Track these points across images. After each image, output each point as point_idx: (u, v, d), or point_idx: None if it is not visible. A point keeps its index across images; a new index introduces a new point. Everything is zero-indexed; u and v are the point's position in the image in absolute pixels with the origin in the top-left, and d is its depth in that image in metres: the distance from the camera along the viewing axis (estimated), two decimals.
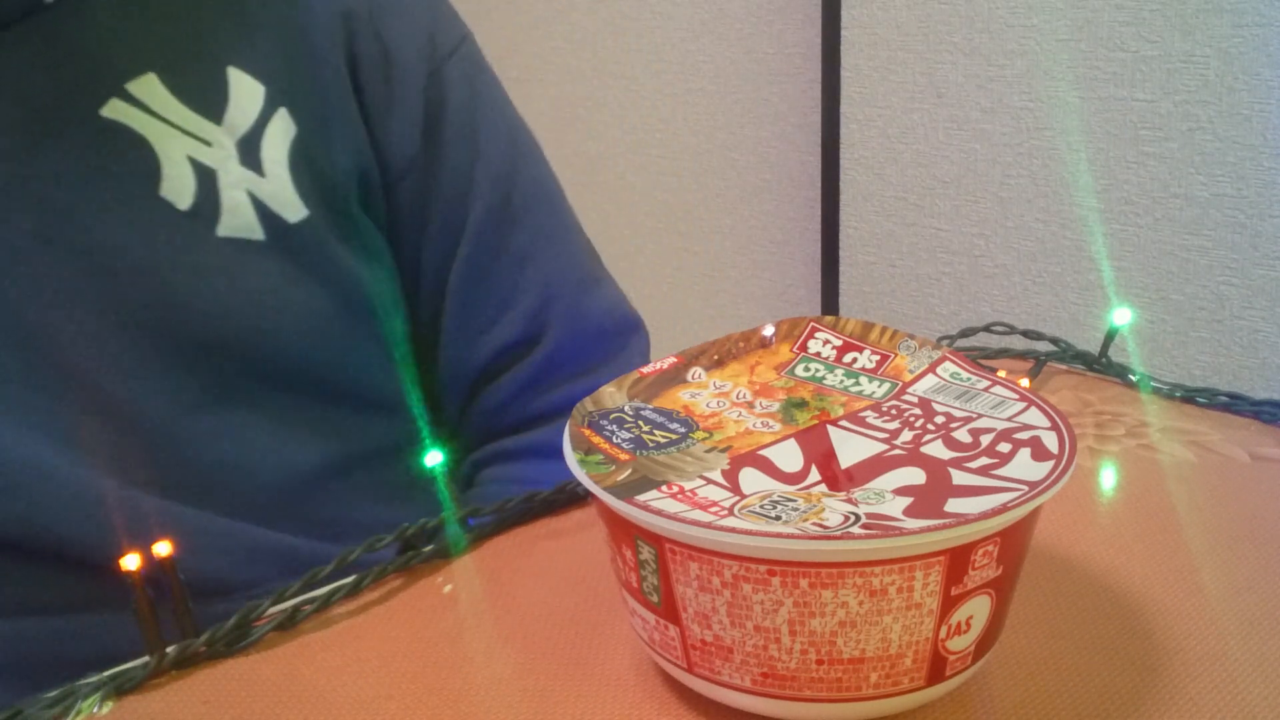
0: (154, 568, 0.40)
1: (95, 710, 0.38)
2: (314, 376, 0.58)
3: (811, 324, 0.45)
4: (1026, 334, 0.64)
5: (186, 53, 0.56)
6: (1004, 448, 0.36)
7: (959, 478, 0.34)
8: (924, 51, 1.36)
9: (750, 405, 0.40)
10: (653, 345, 0.71)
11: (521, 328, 0.65)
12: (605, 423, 0.39)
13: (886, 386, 0.41)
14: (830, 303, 1.55)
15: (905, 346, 0.43)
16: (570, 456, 0.36)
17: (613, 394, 0.41)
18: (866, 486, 0.35)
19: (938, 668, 0.33)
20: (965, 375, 0.41)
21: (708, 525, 0.31)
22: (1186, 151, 1.19)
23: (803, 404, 0.40)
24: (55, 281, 0.52)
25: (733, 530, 0.31)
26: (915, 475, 0.35)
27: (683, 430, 0.39)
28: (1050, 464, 0.34)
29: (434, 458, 0.47)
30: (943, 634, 0.32)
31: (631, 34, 1.69)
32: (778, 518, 0.32)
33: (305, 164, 0.57)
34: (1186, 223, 1.21)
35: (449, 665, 0.39)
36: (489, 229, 0.64)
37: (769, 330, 0.45)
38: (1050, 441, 0.36)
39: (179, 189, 0.54)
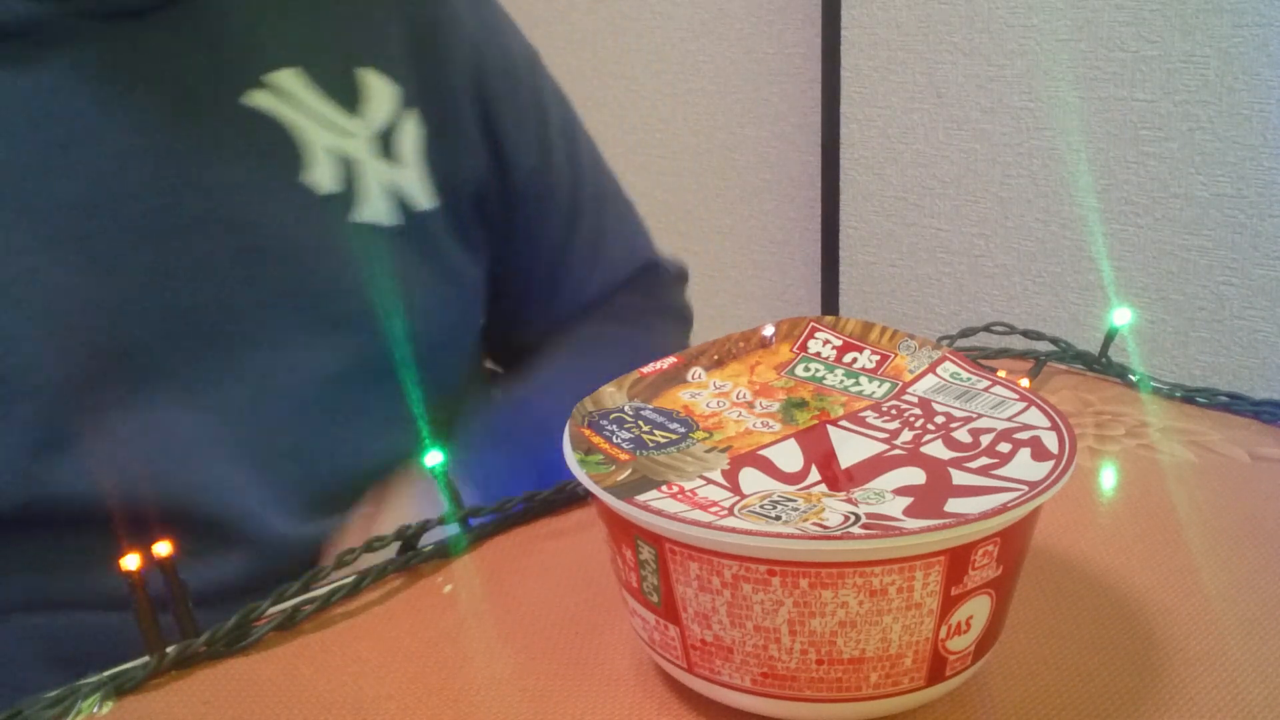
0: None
1: (95, 710, 0.38)
2: (426, 358, 0.61)
3: (811, 324, 0.45)
4: (1026, 334, 0.64)
5: (326, 52, 0.59)
6: (1004, 448, 0.36)
7: (959, 478, 0.34)
8: (924, 51, 1.36)
9: (750, 405, 0.40)
10: None
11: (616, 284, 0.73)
12: (605, 423, 0.39)
13: (886, 386, 0.41)
14: (830, 303, 1.55)
15: (905, 346, 0.43)
16: (570, 456, 0.36)
17: (613, 394, 0.41)
18: (866, 486, 0.35)
19: (938, 668, 0.33)
20: (965, 375, 0.41)
21: (708, 525, 0.31)
22: (1186, 151, 1.19)
23: (803, 404, 0.40)
24: (200, 255, 0.53)
25: (733, 530, 0.31)
26: (915, 475, 0.35)
27: (683, 430, 0.39)
28: (1050, 464, 0.34)
29: (434, 458, 0.47)
30: (943, 634, 0.32)
31: (631, 34, 1.69)
32: (778, 518, 0.32)
33: (431, 163, 0.62)
34: (1186, 223, 1.21)
35: (449, 665, 0.39)
36: (589, 213, 0.72)
37: (769, 330, 0.45)
38: (1050, 441, 0.36)
39: (320, 175, 0.57)
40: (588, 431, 0.38)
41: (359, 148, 0.59)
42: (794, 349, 0.44)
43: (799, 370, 0.43)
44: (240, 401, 0.54)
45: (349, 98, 0.59)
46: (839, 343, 0.44)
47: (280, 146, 0.56)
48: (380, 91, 0.60)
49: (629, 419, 0.39)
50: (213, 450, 0.53)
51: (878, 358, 0.43)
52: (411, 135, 0.61)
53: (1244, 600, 0.41)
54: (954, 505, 0.32)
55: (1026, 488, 0.32)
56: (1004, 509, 0.31)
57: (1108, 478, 0.51)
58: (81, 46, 0.52)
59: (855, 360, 0.43)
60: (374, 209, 0.59)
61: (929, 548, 0.31)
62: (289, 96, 0.57)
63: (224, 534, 0.53)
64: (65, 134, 0.51)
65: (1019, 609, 0.40)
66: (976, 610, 0.33)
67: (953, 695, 0.36)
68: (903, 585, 0.31)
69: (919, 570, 0.31)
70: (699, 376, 0.42)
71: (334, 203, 0.57)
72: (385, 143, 0.60)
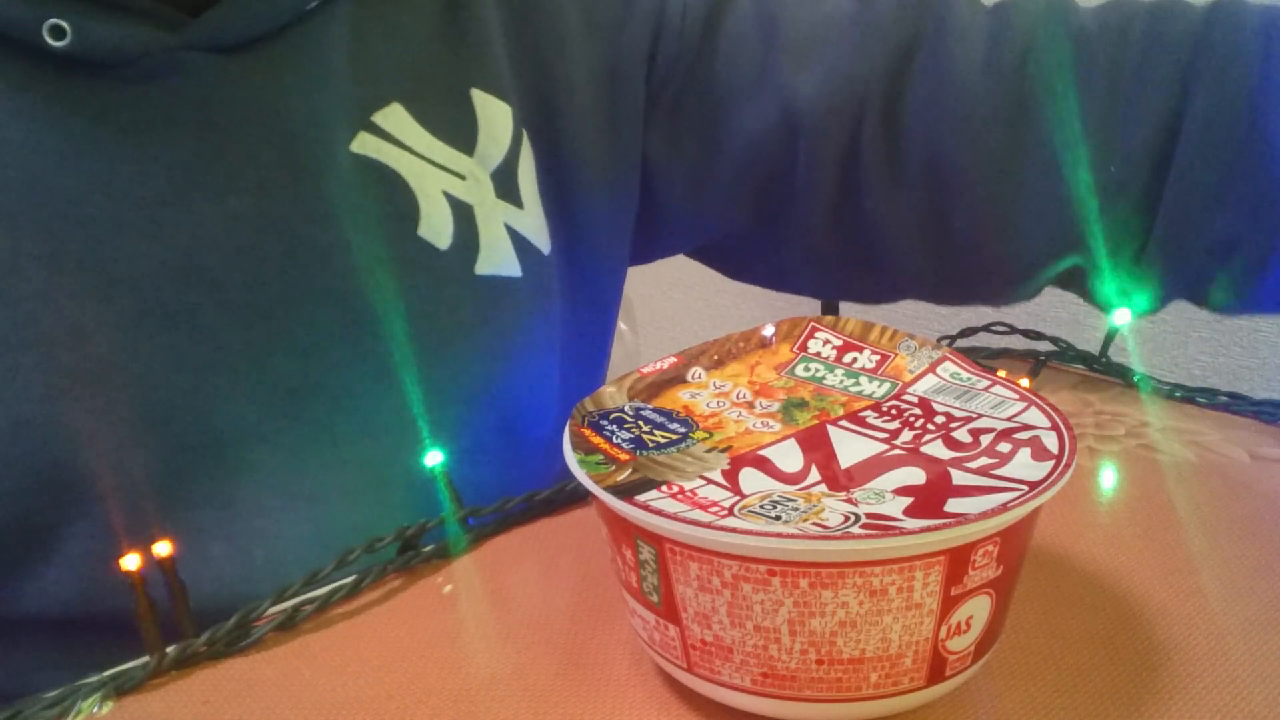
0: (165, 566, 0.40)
1: (95, 710, 0.38)
2: (527, 432, 0.55)
3: (811, 324, 0.45)
4: (1026, 334, 0.64)
5: (427, 77, 0.52)
6: (1004, 448, 0.36)
7: (959, 478, 0.34)
8: None
9: (750, 405, 0.41)
10: (653, 345, 0.72)
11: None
12: (605, 423, 0.39)
13: (886, 386, 0.41)
14: (830, 302, 1.54)
15: (905, 346, 0.43)
16: (570, 456, 0.36)
17: (613, 394, 0.41)
18: (866, 486, 0.35)
19: (938, 668, 0.33)
20: (965, 375, 0.41)
21: (708, 525, 0.31)
22: None
23: (803, 404, 0.40)
24: (313, 331, 0.48)
25: (733, 530, 0.31)
26: (915, 475, 0.35)
27: (683, 430, 0.39)
28: (1050, 464, 0.34)
29: (434, 458, 0.47)
30: (943, 634, 0.32)
31: None
32: (778, 518, 0.32)
33: (552, 197, 0.56)
34: None
35: (449, 665, 0.39)
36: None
37: (769, 330, 0.45)
38: (1050, 441, 0.36)
39: (438, 228, 0.51)
40: (587, 431, 0.38)
41: (477, 191, 0.52)
42: (794, 349, 0.44)
43: (799, 370, 0.43)
44: (339, 495, 0.49)
45: (462, 130, 0.52)
46: (839, 343, 0.44)
47: (394, 198, 0.50)
48: (494, 115, 0.53)
49: (629, 419, 0.39)
50: (307, 549, 0.48)
51: (878, 358, 0.43)
52: (529, 162, 0.54)
53: (1244, 600, 0.41)
54: (954, 505, 0.32)
55: (1026, 488, 0.32)
56: (1004, 509, 0.31)
57: (1108, 478, 0.51)
58: (178, 86, 0.45)
59: (855, 360, 0.43)
60: (498, 259, 0.52)
61: (929, 548, 0.31)
62: (397, 138, 0.50)
63: None
64: (159, 190, 0.45)
65: (1019, 609, 0.40)
66: (976, 610, 0.33)
67: (953, 695, 0.36)
68: (903, 585, 0.31)
69: (919, 570, 0.31)
70: (699, 376, 0.43)
71: (453, 258, 0.51)
72: (507, 178, 0.53)
